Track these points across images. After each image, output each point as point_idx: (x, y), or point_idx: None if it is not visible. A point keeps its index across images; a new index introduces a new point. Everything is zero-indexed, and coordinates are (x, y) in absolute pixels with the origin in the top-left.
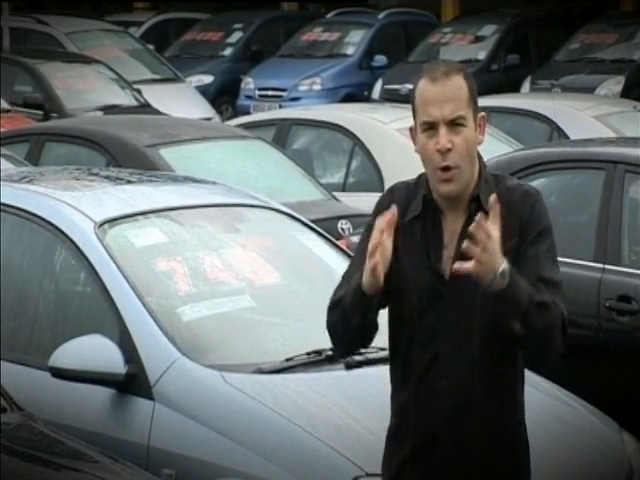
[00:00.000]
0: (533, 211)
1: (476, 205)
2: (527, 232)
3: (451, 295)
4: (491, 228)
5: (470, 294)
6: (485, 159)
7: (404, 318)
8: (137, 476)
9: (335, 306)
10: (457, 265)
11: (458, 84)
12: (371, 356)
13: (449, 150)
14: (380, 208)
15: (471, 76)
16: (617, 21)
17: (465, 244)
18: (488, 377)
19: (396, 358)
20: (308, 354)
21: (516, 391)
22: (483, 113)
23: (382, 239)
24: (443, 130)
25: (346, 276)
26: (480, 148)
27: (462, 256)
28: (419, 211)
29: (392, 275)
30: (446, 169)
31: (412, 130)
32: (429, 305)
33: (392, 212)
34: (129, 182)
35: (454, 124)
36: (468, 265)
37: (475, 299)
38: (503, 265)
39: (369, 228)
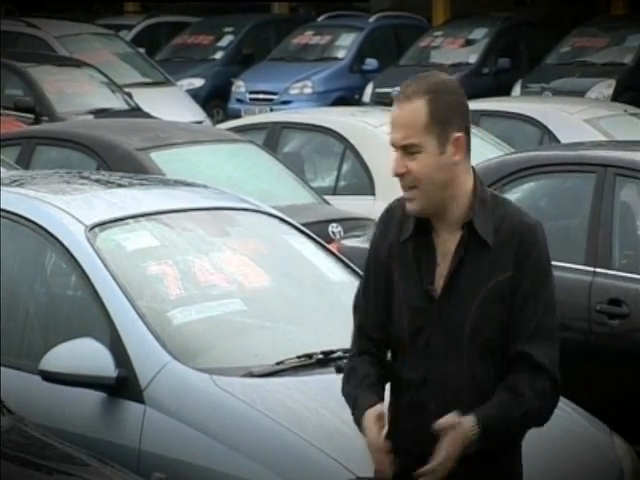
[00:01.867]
0: (533, 248)
1: (470, 230)
2: (526, 271)
3: (441, 317)
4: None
5: (460, 317)
6: (475, 163)
7: (395, 338)
8: None
9: (349, 377)
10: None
11: (416, 108)
12: None
13: (402, 174)
14: (379, 229)
15: (442, 96)
16: (608, 24)
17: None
18: (477, 400)
19: (391, 367)
20: (299, 357)
21: None
22: (459, 134)
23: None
24: (398, 154)
25: (358, 306)
26: (471, 152)
27: (453, 276)
28: (410, 232)
29: (391, 295)
30: (407, 188)
31: None
32: (420, 327)
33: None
34: (120, 186)
35: (408, 149)
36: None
37: (465, 321)
38: (472, 436)
39: (372, 254)
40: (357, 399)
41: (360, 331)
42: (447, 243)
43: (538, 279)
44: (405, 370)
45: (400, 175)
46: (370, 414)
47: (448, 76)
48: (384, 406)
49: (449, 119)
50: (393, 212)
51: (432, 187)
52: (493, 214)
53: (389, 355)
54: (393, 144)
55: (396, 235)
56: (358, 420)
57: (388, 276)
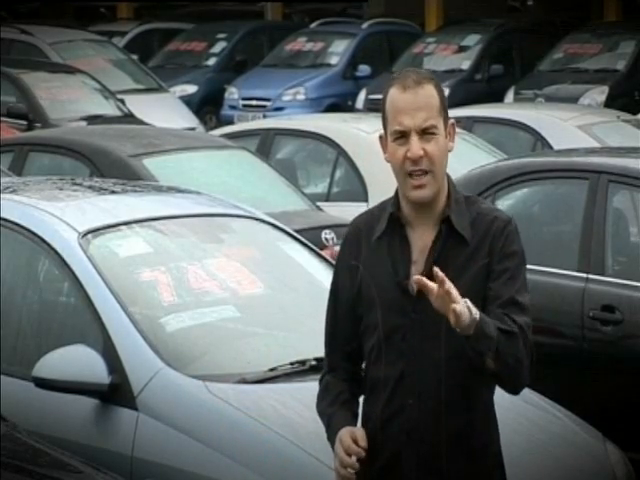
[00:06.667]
0: (502, 234)
1: (447, 226)
2: (497, 253)
3: (417, 313)
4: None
5: (437, 312)
6: (468, 169)
7: (371, 336)
8: None
9: (324, 395)
10: (419, 278)
11: (430, 92)
12: None
13: (421, 157)
14: (344, 245)
15: (440, 85)
16: (601, 31)
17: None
18: (457, 397)
19: (367, 370)
20: (292, 364)
21: (488, 412)
22: (453, 120)
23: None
24: (415, 138)
25: (329, 309)
26: (464, 158)
27: (432, 269)
28: (383, 229)
29: (361, 297)
30: (417, 175)
31: (382, 138)
32: (395, 324)
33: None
34: (113, 192)
35: (425, 132)
36: (431, 285)
37: (442, 317)
38: (473, 316)
39: (339, 265)
40: (331, 418)
41: (331, 347)
42: (423, 239)
43: (511, 264)
44: (382, 369)
45: (418, 159)
46: (344, 434)
47: None
48: (359, 428)
49: (446, 106)
50: (358, 221)
51: (441, 171)
52: (468, 211)
53: (364, 365)
54: (411, 128)
55: (366, 239)
56: (332, 439)
57: (357, 280)
